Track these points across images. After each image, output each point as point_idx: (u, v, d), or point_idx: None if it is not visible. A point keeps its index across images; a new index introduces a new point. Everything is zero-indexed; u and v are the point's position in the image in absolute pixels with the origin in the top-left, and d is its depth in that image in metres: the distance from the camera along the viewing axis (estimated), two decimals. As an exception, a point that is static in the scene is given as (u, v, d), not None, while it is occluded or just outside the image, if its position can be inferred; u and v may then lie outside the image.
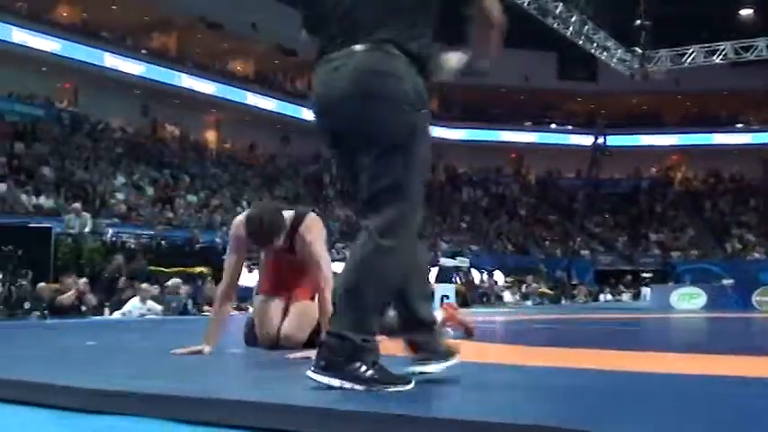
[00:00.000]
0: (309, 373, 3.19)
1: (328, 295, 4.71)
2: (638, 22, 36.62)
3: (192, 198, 32.27)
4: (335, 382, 3.14)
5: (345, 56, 3.32)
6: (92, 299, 14.52)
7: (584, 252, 43.05)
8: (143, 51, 38.89)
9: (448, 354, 3.56)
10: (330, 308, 3.39)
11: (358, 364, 3.16)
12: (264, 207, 5.78)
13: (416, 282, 3.54)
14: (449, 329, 7.27)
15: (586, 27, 36.88)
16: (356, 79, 3.26)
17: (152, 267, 18.51)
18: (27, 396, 3.18)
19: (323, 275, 5.22)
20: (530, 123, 52.22)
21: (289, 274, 5.93)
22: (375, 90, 3.24)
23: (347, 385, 3.13)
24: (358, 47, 3.30)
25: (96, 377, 3.94)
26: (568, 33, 36.53)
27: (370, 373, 3.16)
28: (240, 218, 5.49)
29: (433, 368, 3.46)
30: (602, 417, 2.67)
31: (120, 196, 28.81)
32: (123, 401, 2.96)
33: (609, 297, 35.61)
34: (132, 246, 21.68)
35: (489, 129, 50.83)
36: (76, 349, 5.16)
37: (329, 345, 3.19)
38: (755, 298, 23.69)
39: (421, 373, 3.43)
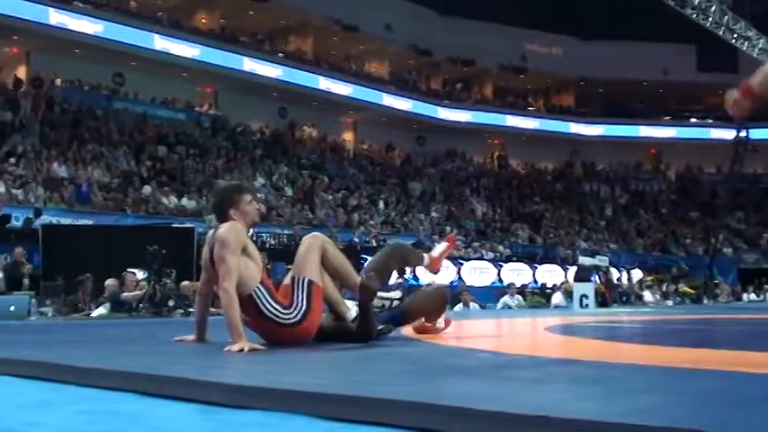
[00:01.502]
0: None
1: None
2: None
3: (329, 198, 32.60)
4: None
5: None
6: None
7: (727, 250, 41.89)
8: (280, 55, 39.50)
9: None
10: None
11: None
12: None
13: None
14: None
15: (726, 17, 36.04)
16: None
17: (290, 267, 18.72)
18: (174, 391, 3.26)
19: None
20: (669, 118, 50.93)
21: None
22: None
23: None
24: None
25: (238, 372, 4.04)
26: (708, 24, 35.74)
27: None
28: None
29: None
30: (749, 422, 2.60)
31: (259, 196, 29.33)
32: (266, 397, 3.02)
33: (753, 297, 34.61)
34: (272, 245, 22.06)
35: (628, 124, 49.84)
36: (218, 346, 5.28)
37: None
38: None
39: None
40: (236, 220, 5.71)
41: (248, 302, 5.49)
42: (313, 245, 5.85)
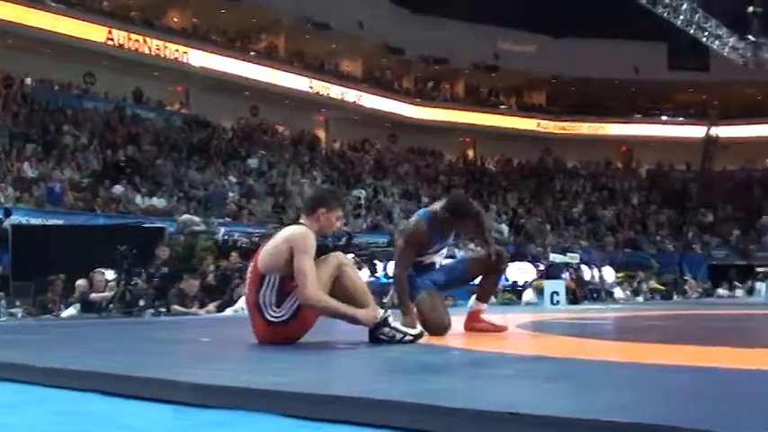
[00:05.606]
0: None
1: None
2: (751, 8, 35.74)
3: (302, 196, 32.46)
4: None
5: None
6: (211, 309, 14.58)
7: (697, 246, 42.07)
8: (252, 53, 39.42)
9: None
10: None
11: None
12: None
13: None
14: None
15: (697, 15, 36.23)
16: None
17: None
18: (145, 391, 3.25)
19: None
20: (640, 116, 51.17)
21: None
22: None
23: None
24: None
25: (211, 372, 4.02)
26: (679, 22, 35.92)
27: None
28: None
29: None
30: (720, 417, 2.60)
31: (232, 195, 29.17)
32: (230, 396, 3.00)
33: (722, 292, 34.73)
34: (244, 244, 21.99)
35: (598, 122, 50.14)
36: (191, 345, 5.26)
37: None
38: None
39: None
40: (312, 223, 5.72)
41: (257, 282, 5.54)
42: (330, 262, 5.77)
